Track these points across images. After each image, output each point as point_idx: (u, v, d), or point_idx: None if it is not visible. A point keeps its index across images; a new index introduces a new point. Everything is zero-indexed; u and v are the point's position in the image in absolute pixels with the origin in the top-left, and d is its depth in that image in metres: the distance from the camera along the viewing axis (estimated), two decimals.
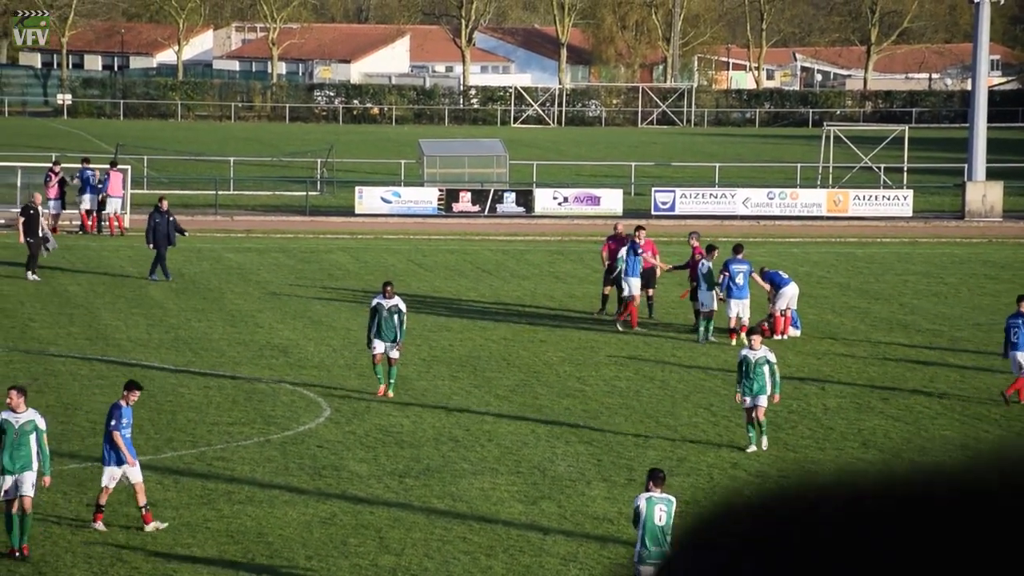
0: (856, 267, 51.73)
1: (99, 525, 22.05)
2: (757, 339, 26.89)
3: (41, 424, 21.12)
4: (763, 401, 26.57)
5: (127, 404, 22.33)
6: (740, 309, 36.47)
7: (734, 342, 35.69)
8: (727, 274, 36.27)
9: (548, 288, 45.62)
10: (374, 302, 30.28)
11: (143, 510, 22.04)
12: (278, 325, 38.33)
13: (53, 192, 54.65)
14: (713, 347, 36.66)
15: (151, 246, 44.40)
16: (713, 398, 31.34)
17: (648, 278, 39.76)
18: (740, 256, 36.74)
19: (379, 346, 30.08)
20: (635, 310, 38.28)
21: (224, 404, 29.80)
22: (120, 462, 21.96)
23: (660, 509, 18.34)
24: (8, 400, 21.03)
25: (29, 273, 43.83)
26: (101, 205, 55.05)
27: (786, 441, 28.07)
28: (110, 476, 22.01)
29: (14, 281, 44.27)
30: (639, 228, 40.01)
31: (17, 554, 20.51)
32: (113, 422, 22.08)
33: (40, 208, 44.87)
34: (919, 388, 32.74)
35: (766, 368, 26.48)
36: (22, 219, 44.14)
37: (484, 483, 24.78)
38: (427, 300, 42.79)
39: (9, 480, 20.83)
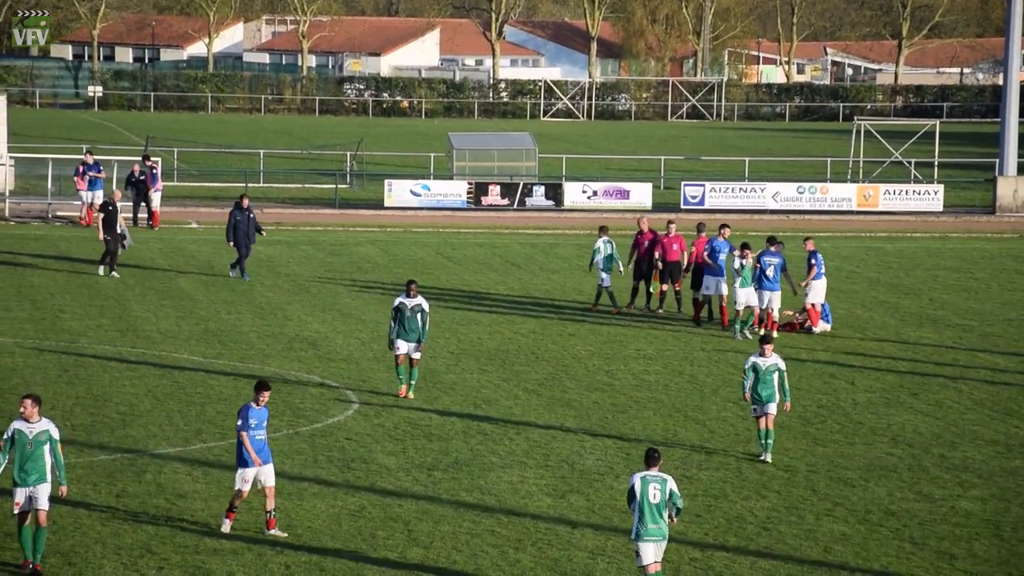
0: (886, 262, 51.58)
1: (226, 526, 21.66)
2: (769, 347, 25.88)
3: (55, 434, 20.22)
4: (772, 409, 25.78)
5: (258, 406, 21.72)
6: (770, 299, 36.53)
7: (737, 330, 36.66)
8: (759, 266, 36.36)
9: (577, 282, 45.61)
10: (396, 301, 29.48)
11: (268, 515, 21.70)
12: (307, 318, 38.40)
13: (83, 185, 54.79)
14: (742, 343, 36.60)
15: (232, 244, 43.44)
16: (742, 392, 31.25)
17: (674, 272, 39.83)
18: (773, 249, 36.75)
19: (402, 346, 29.37)
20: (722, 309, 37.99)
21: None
22: (250, 464, 21.52)
23: (654, 487, 19.03)
24: (22, 409, 20.13)
25: (101, 268, 43.38)
26: (145, 198, 55.04)
27: (815, 436, 28.01)
28: (241, 478, 21.55)
29: (44, 272, 44.44)
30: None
31: (30, 567, 19.91)
32: (240, 422, 21.62)
33: (119, 204, 44.22)
34: (949, 383, 32.64)
35: (776, 376, 25.74)
36: (101, 215, 43.45)
37: (512, 476, 24.79)
38: (456, 293, 42.82)
39: (22, 493, 20.07)
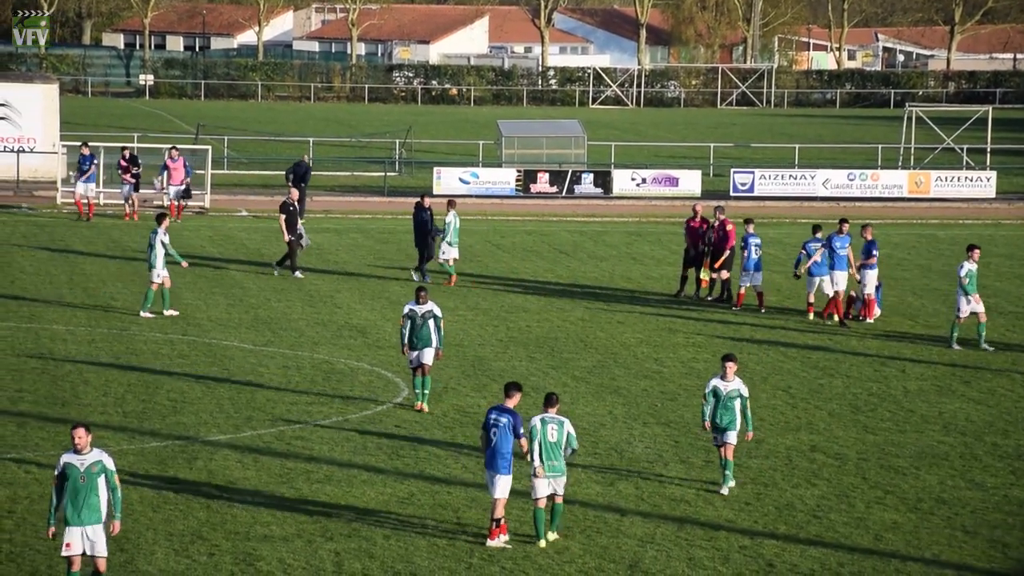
0: (938, 249, 51.28)
1: (495, 541, 20.90)
2: (732, 367, 23.31)
3: (110, 464, 18.30)
4: (732, 439, 23.29)
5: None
6: (839, 281, 36.51)
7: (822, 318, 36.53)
8: (827, 249, 36.54)
9: (626, 269, 45.54)
10: (407, 309, 27.85)
11: (493, 523, 21.13)
12: (356, 306, 38.47)
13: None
14: (790, 331, 36.49)
15: (432, 240, 41.96)
16: (791, 380, 31.19)
17: (725, 261, 39.66)
18: (845, 232, 36.89)
19: (414, 356, 27.79)
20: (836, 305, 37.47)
21: (303, 384, 29.96)
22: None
23: (552, 428, 20.98)
24: (76, 440, 18.22)
25: (276, 270, 42.20)
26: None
27: (866, 424, 27.89)
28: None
29: (96, 260, 44.68)
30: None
31: None
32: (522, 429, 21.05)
33: (297, 204, 42.86)
34: (1002, 371, 32.43)
35: (737, 403, 23.26)
36: (283, 216, 41.89)
37: None
38: (505, 281, 42.80)
39: (74, 534, 18.10)
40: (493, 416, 21.14)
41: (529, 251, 49.08)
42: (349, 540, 21.12)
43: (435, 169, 64.85)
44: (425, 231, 41.97)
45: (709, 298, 39.87)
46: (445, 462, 24.81)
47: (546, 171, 64.74)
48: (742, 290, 38.72)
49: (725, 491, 23.33)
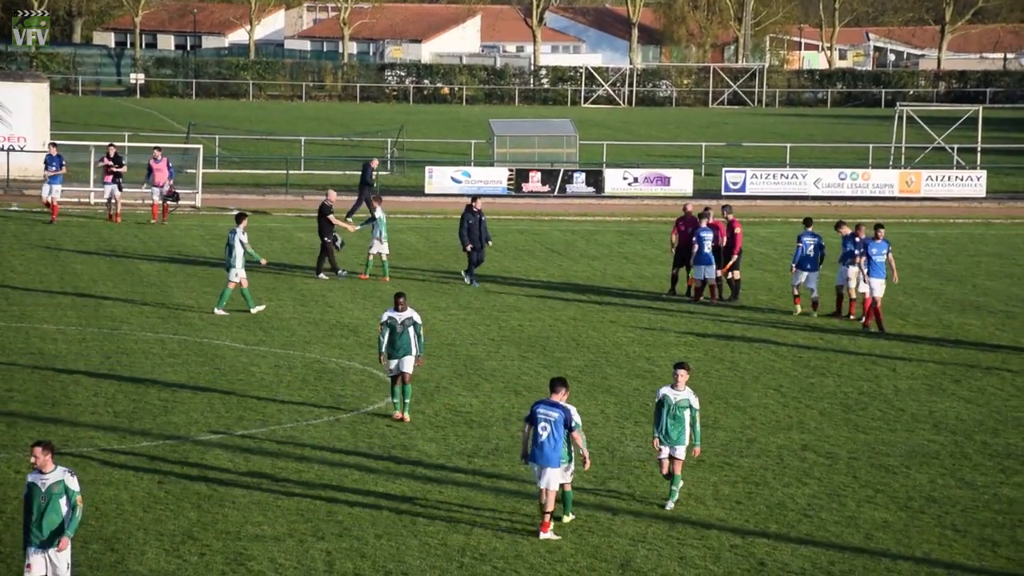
0: (928, 248, 51.36)
1: (547, 533, 21.13)
2: (684, 375, 22.28)
3: (73, 484, 17.64)
4: (680, 453, 22.38)
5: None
6: (877, 287, 35.95)
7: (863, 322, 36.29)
8: (866, 256, 35.95)
9: (618, 268, 45.57)
10: (385, 316, 26.99)
11: (545, 516, 21.27)
12: (348, 304, 38.47)
13: (108, 177, 52.49)
14: (782, 330, 36.54)
15: (467, 249, 41.13)
16: (783, 379, 31.23)
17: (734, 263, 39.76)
18: (881, 238, 36.18)
19: (394, 365, 27.06)
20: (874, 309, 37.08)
21: (294, 383, 29.96)
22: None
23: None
24: (33, 459, 17.62)
25: (320, 274, 41.74)
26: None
27: (857, 423, 27.93)
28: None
29: (87, 258, 44.66)
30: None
31: None
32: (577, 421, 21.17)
33: (334, 205, 42.32)
34: (992, 370, 32.48)
35: (687, 414, 22.26)
36: (331, 215, 41.54)
37: None
38: (497, 280, 42.82)
39: (37, 557, 17.59)
40: (542, 410, 21.16)
41: (521, 250, 49.10)
42: (340, 540, 21.12)
43: (427, 168, 64.87)
44: (475, 235, 41.18)
45: (702, 298, 39.91)
46: (436, 461, 24.83)
47: (538, 170, 64.77)
48: (693, 280, 39.42)
49: (670, 506, 22.43)
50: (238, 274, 36.33)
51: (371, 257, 42.10)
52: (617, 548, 21.04)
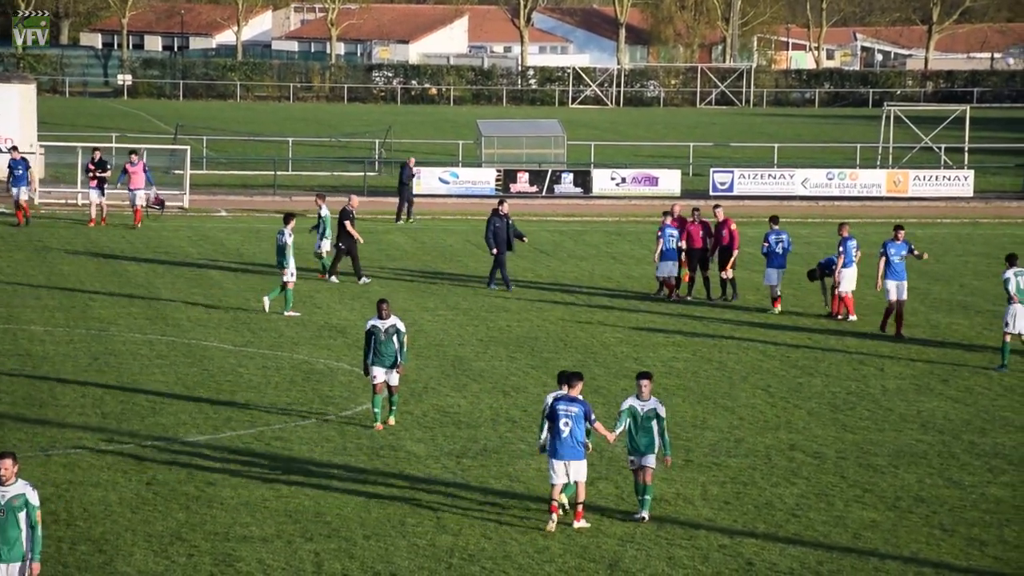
0: (916, 248, 51.34)
1: (580, 522, 21.58)
2: (647, 385, 21.81)
3: (33, 499, 16.89)
4: (651, 462, 21.84)
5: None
6: (897, 290, 35.60)
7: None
8: (884, 257, 35.62)
9: (606, 269, 45.58)
10: (369, 324, 26.43)
11: (578, 506, 21.63)
12: (336, 306, 38.44)
13: (93, 182, 51.84)
14: (770, 330, 36.58)
15: (494, 252, 40.78)
16: (771, 379, 31.26)
17: (702, 259, 39.90)
18: (900, 239, 35.75)
19: (379, 374, 26.41)
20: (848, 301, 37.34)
21: (282, 384, 29.94)
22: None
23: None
24: (2, 472, 16.89)
25: (331, 277, 41.54)
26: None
27: (845, 423, 27.96)
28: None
29: (74, 260, 44.60)
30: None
31: None
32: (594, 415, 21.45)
33: (355, 211, 42.23)
34: (979, 369, 32.53)
35: (655, 424, 21.77)
36: (348, 222, 41.32)
37: (541, 464, 24.76)
38: (485, 280, 42.80)
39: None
40: (562, 406, 21.38)
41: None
42: (329, 540, 21.11)
43: (415, 169, 64.76)
44: (500, 238, 40.68)
45: (689, 297, 39.98)
46: (425, 462, 24.82)
47: (526, 171, 64.78)
48: (666, 279, 39.70)
49: (646, 515, 21.99)
50: (293, 273, 36.66)
51: (324, 255, 42.16)
52: (606, 548, 21.05)
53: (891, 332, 35.80)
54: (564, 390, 21.70)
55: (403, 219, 55.39)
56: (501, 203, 41.92)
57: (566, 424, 21.30)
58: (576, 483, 21.53)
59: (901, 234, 35.97)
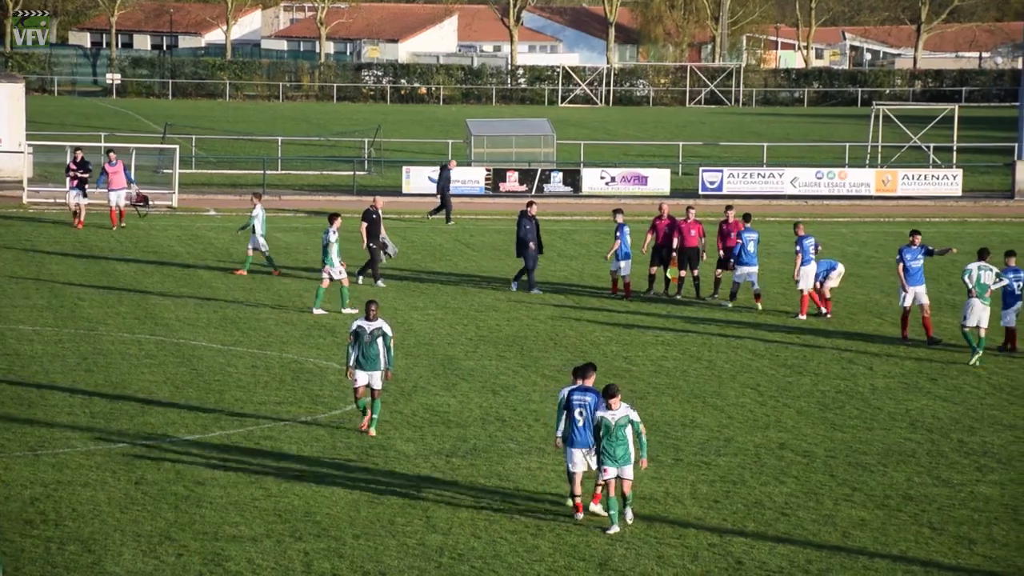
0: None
1: (597, 506, 21.94)
2: (616, 399, 21.50)
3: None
4: (629, 473, 21.59)
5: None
6: (918, 294, 34.87)
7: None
8: (902, 263, 34.79)
9: (595, 268, 45.60)
10: (354, 325, 25.88)
11: (597, 488, 22.01)
12: (325, 304, 38.41)
13: (73, 182, 51.12)
14: (759, 329, 36.61)
15: (532, 251, 40.18)
16: (760, 378, 31.28)
17: (692, 258, 39.95)
18: (916, 244, 35.07)
19: (361, 377, 25.93)
20: (810, 299, 37.24)
21: (272, 383, 29.93)
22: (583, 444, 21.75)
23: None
24: None
25: (360, 278, 41.11)
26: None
27: (834, 422, 27.99)
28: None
29: (63, 259, 44.55)
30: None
31: None
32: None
33: (380, 211, 41.42)
34: (968, 368, 32.57)
35: (629, 430, 21.52)
36: (364, 224, 40.81)
37: (531, 463, 24.80)
38: (474, 279, 42.81)
39: None
40: (577, 396, 21.85)
41: (498, 250, 49.10)
42: (318, 540, 21.10)
43: (404, 168, 64.84)
44: (526, 241, 40.12)
45: (679, 297, 40.02)
46: (414, 461, 24.82)
47: (515, 170, 64.78)
48: (621, 278, 39.91)
49: (629, 518, 21.73)
50: (341, 271, 36.99)
51: (251, 253, 42.30)
52: (595, 547, 21.06)
53: (916, 336, 34.80)
54: (578, 383, 22.09)
55: (452, 221, 55.16)
56: (530, 205, 41.07)
57: (581, 414, 21.82)
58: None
59: (917, 239, 35.19)
